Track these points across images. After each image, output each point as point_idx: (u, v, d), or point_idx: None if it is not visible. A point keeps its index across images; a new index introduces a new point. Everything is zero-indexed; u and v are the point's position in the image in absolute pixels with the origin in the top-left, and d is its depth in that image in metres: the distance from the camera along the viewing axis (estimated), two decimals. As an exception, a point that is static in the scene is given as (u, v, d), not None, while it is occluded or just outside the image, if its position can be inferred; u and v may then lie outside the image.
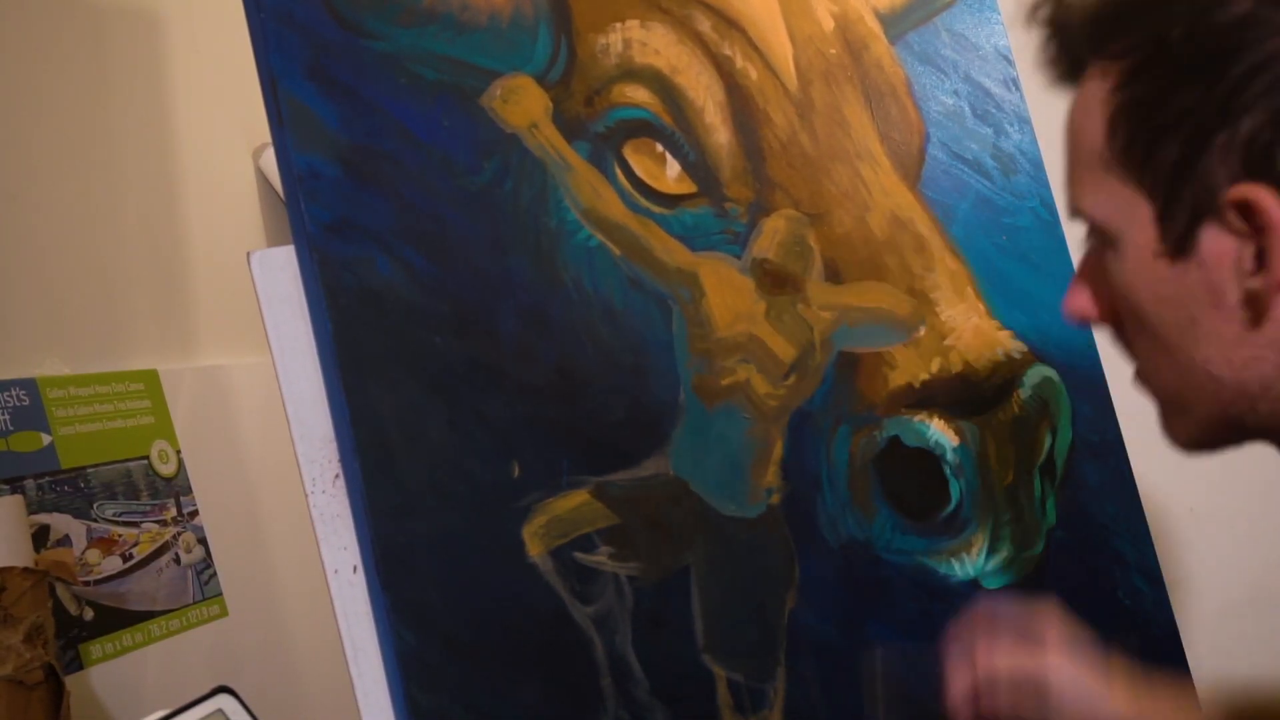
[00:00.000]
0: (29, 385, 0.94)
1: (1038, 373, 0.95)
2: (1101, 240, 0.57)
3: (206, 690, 0.67)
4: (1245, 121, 0.49)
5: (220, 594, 1.06)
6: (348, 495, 0.66)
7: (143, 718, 0.70)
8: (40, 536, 0.91)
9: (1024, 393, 0.94)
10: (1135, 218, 0.55)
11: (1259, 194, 0.49)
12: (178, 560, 1.03)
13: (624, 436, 0.75)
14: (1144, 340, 0.58)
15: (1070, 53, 0.57)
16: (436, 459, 0.67)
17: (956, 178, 0.97)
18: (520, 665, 0.67)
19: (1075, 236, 1.00)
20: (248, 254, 0.68)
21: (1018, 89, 1.04)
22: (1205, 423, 0.57)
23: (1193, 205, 0.52)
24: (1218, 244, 0.52)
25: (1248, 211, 0.50)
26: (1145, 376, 0.60)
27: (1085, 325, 0.62)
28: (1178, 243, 0.53)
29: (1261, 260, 0.50)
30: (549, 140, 0.76)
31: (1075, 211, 0.58)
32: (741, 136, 0.86)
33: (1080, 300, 0.61)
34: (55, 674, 0.81)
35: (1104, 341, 0.99)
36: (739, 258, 0.84)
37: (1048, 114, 1.08)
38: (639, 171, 0.80)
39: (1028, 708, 0.68)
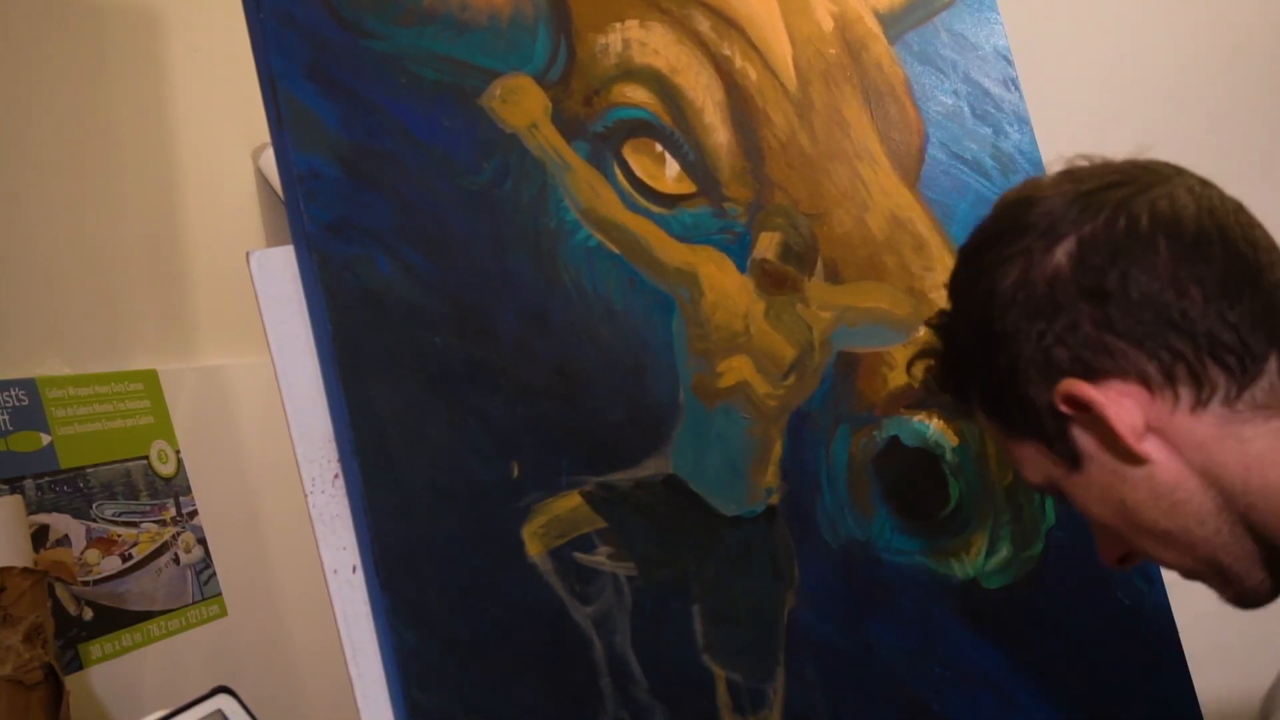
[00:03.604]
0: (29, 385, 0.94)
1: (1037, 373, 0.95)
2: (1055, 496, 0.68)
3: (206, 690, 0.67)
4: (1019, 349, 0.61)
5: (220, 594, 1.06)
6: (347, 495, 0.66)
7: (142, 718, 0.70)
8: (40, 536, 0.91)
9: (1023, 393, 0.94)
10: (1046, 461, 0.65)
11: (1068, 385, 0.59)
12: (177, 560, 1.03)
13: (624, 436, 0.75)
14: (1128, 536, 0.66)
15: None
16: (436, 459, 0.67)
17: (956, 178, 0.97)
18: (520, 665, 0.67)
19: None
20: (247, 254, 0.68)
21: (1017, 89, 1.04)
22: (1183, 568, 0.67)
23: (1051, 427, 0.62)
24: (1086, 439, 0.62)
25: (1075, 402, 0.59)
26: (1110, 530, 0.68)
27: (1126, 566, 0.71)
28: (1070, 458, 0.63)
29: (1113, 433, 0.59)
30: (548, 140, 0.76)
31: (1034, 488, 0.69)
32: (741, 136, 0.86)
33: (1107, 553, 0.70)
34: (55, 674, 0.81)
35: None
36: (738, 257, 0.84)
37: (1048, 114, 1.08)
38: (638, 171, 0.80)
39: None
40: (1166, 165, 0.64)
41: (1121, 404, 0.59)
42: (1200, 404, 0.58)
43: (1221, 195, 0.61)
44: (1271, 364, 0.58)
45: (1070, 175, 0.65)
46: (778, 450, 0.82)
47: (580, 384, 0.74)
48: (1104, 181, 0.62)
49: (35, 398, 0.94)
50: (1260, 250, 0.59)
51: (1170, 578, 0.97)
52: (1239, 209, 0.61)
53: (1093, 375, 0.59)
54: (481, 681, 0.66)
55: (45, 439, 0.94)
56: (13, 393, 0.92)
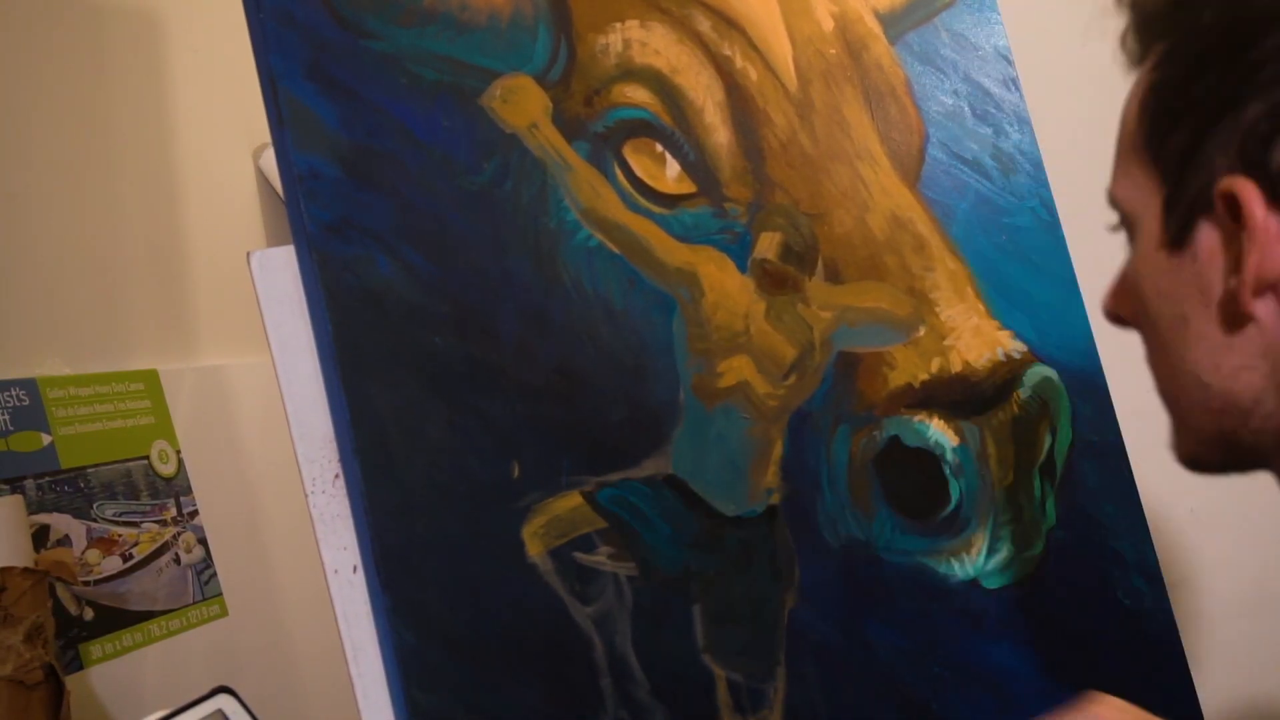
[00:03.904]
0: (29, 385, 0.94)
1: (1037, 373, 0.95)
2: (1126, 229, 0.56)
3: (206, 690, 0.67)
4: (1249, 109, 0.47)
5: (220, 594, 1.06)
6: (348, 495, 0.66)
7: (143, 718, 0.70)
8: (40, 536, 0.91)
9: (1024, 393, 0.94)
10: (1149, 206, 0.53)
11: (1244, 187, 0.47)
12: (178, 560, 1.03)
13: (624, 436, 0.75)
14: (1150, 342, 0.57)
15: (1140, 42, 0.55)
16: (436, 459, 0.67)
17: (956, 178, 0.97)
18: (520, 665, 0.67)
19: (1075, 237, 1.01)
20: (248, 254, 0.68)
21: (1018, 89, 1.04)
22: (1201, 437, 0.55)
23: (1193, 195, 0.50)
24: (1210, 238, 0.50)
25: (1234, 206, 0.48)
26: (1158, 385, 0.57)
27: (1119, 325, 0.60)
28: (1177, 234, 0.52)
29: (1240, 259, 0.49)
30: (549, 140, 0.76)
31: (1111, 200, 0.57)
32: (741, 136, 0.86)
33: (1114, 298, 0.60)
34: (55, 674, 0.81)
35: (1104, 341, 0.99)
36: (739, 257, 0.84)
37: (1048, 114, 1.08)
38: (639, 171, 0.80)
39: None
40: None
41: (1271, 246, 0.47)
42: None
43: None
44: None
45: None
46: (778, 450, 0.82)
47: (580, 384, 0.74)
48: None
49: (36, 398, 0.94)
50: None
51: (1170, 578, 0.98)
52: None
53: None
54: (481, 681, 0.66)
55: (46, 439, 0.94)
56: (13, 393, 0.92)
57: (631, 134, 0.80)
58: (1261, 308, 0.49)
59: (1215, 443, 0.55)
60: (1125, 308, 0.58)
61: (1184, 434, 0.56)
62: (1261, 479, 0.57)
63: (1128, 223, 0.56)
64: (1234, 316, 0.50)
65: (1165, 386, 0.56)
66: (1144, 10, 0.54)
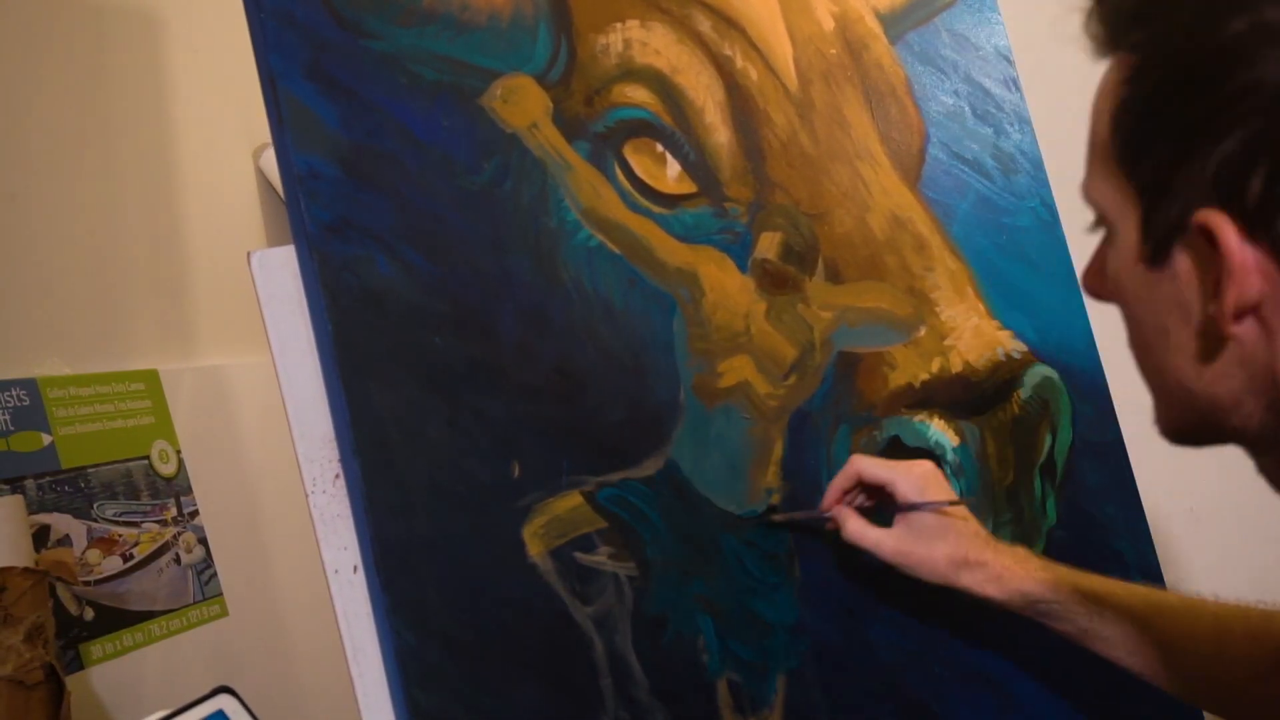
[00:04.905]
0: (29, 385, 0.94)
1: (1038, 373, 0.95)
2: (1104, 226, 0.58)
3: (206, 690, 0.67)
4: (1224, 144, 0.48)
5: (220, 594, 1.06)
6: (348, 495, 0.66)
7: (143, 718, 0.70)
8: (40, 536, 0.91)
9: (1024, 393, 0.94)
10: (1126, 216, 0.55)
11: (1219, 222, 0.49)
12: (178, 560, 1.03)
13: (624, 436, 0.75)
14: (1131, 331, 0.59)
15: (1104, 31, 0.56)
16: (436, 459, 0.67)
17: (956, 178, 0.97)
18: (520, 665, 0.67)
19: (1075, 237, 1.00)
20: (248, 254, 0.68)
21: (1018, 89, 1.04)
22: (1183, 421, 0.58)
23: (1169, 219, 0.52)
24: (1187, 262, 0.52)
25: (1210, 237, 0.50)
26: (1141, 370, 0.60)
27: (1098, 299, 0.62)
28: (1154, 252, 0.53)
29: (1218, 286, 0.50)
30: (549, 140, 0.76)
31: (1085, 195, 0.58)
32: (741, 136, 0.86)
33: (1091, 277, 0.62)
34: (55, 674, 0.81)
35: (1104, 341, 0.99)
36: (739, 257, 0.84)
37: (1048, 114, 1.08)
38: (639, 171, 0.80)
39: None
40: None
41: (1249, 278, 0.49)
42: None
43: None
44: None
45: None
46: (778, 450, 0.82)
47: (580, 384, 0.74)
48: None
49: (36, 398, 0.94)
50: None
51: (1171, 577, 0.97)
52: None
53: (1256, 232, 0.48)
54: (481, 681, 0.66)
55: (46, 439, 0.94)
56: (13, 393, 0.92)
57: (632, 134, 0.80)
58: (1239, 328, 0.51)
59: (1196, 427, 0.57)
60: (1104, 290, 0.60)
61: (1167, 414, 0.59)
62: (1258, 484, 0.59)
63: (1104, 221, 0.58)
64: (1214, 339, 0.52)
65: (1149, 377, 0.59)
66: (1105, 10, 0.55)
